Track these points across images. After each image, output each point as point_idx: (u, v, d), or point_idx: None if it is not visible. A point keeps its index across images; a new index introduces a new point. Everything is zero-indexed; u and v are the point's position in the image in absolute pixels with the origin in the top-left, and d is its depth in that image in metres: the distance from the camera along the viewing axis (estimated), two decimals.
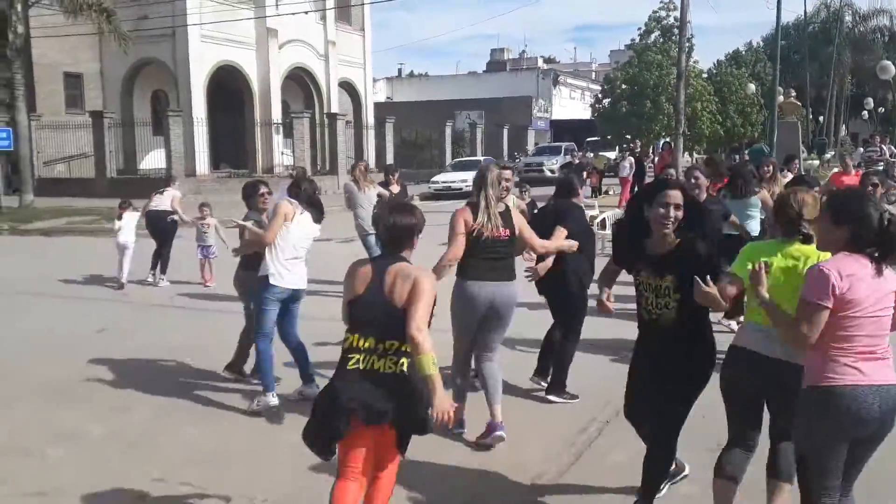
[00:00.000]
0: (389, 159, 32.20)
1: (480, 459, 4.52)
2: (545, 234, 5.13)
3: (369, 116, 35.70)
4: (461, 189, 27.11)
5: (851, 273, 2.85)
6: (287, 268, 5.33)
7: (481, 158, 31.55)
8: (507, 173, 5.38)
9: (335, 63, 33.71)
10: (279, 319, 5.45)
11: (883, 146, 24.38)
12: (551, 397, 5.45)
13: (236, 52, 29.13)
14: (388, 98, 53.25)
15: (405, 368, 3.15)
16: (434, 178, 27.46)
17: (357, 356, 3.16)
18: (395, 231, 3.30)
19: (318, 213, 5.60)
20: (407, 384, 3.15)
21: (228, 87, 29.70)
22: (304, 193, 5.56)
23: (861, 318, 2.87)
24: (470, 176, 33.42)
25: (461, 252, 4.63)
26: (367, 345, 3.16)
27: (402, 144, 36.33)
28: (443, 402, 3.01)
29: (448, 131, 38.22)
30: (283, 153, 29.80)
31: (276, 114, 30.32)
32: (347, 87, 35.46)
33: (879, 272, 2.90)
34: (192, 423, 5.16)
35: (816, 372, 2.96)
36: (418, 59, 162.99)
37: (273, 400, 5.27)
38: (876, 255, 2.91)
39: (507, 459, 4.49)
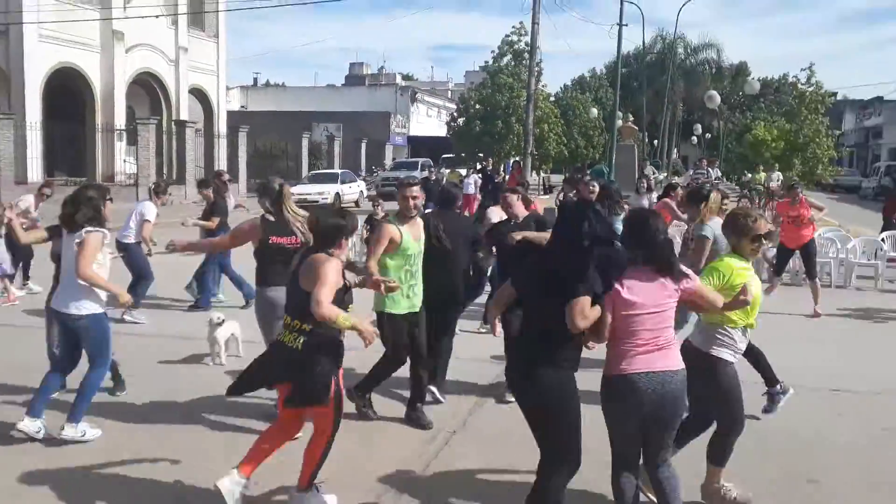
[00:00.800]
0: (242, 169, 31.47)
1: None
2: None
3: (221, 125, 34.71)
4: (317, 201, 26.98)
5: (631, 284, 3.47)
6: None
7: (339, 171, 31.56)
8: (415, 189, 5.28)
9: (186, 69, 32.57)
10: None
11: (709, 169, 26.83)
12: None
13: (78, 53, 27.49)
14: (242, 107, 51.95)
15: (300, 346, 3.78)
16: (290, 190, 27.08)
17: (284, 330, 3.92)
18: (322, 229, 3.92)
19: None
20: (298, 359, 3.77)
21: (69, 90, 27.95)
22: None
23: (643, 316, 3.45)
24: (327, 188, 33.37)
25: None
26: (288, 321, 3.91)
27: (256, 154, 35.57)
28: (366, 330, 3.76)
29: (305, 143, 37.88)
30: (125, 161, 28.40)
31: (120, 120, 28.85)
32: (199, 94, 34.33)
33: (658, 280, 3.50)
34: None
35: (611, 363, 3.53)
36: (275, 69, 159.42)
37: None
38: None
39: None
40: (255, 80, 65.04)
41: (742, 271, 3.91)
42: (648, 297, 3.44)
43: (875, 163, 49.16)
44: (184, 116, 31.74)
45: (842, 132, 48.89)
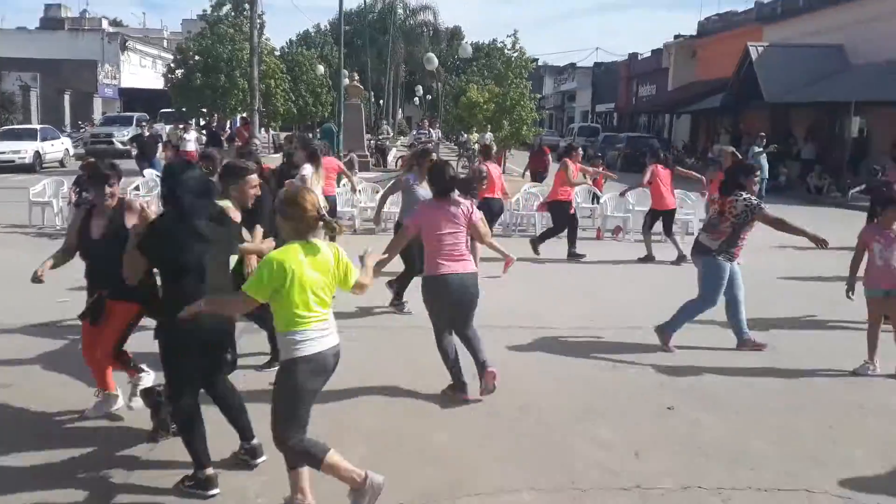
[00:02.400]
0: None
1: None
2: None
3: None
4: (13, 161, 23.89)
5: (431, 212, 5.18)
6: None
7: (38, 127, 28.11)
8: (253, 178, 4.86)
9: None
10: None
11: (431, 129, 28.30)
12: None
13: None
14: None
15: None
16: None
17: None
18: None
19: None
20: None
21: None
22: None
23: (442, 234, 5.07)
24: (25, 146, 29.59)
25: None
26: None
27: None
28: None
29: None
30: None
31: None
32: None
33: (451, 206, 5.15)
34: None
35: (429, 268, 5.14)
36: None
37: None
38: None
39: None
40: None
41: None
42: (446, 222, 5.07)
43: (570, 124, 55.21)
44: None
45: (542, 96, 54.01)
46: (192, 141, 21.68)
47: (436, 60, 31.49)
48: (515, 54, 25.44)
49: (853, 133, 24.10)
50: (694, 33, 41.51)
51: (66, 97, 38.79)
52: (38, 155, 24.55)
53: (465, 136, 29.27)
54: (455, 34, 66.56)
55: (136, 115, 33.20)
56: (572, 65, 66.05)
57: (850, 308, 6.46)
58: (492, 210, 9.95)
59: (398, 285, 7.56)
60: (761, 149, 17.34)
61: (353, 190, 12.67)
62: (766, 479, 4.14)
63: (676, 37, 44.13)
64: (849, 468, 4.29)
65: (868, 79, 22.80)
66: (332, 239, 3.86)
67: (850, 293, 6.17)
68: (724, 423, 4.96)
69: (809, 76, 25.38)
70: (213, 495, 3.83)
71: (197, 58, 29.73)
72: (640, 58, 49.61)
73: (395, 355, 6.19)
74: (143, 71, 50.65)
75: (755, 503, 3.90)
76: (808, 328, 7.45)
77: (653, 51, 47.57)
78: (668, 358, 6.25)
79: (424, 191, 6.93)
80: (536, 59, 28.63)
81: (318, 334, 3.52)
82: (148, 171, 15.55)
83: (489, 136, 24.73)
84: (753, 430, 4.82)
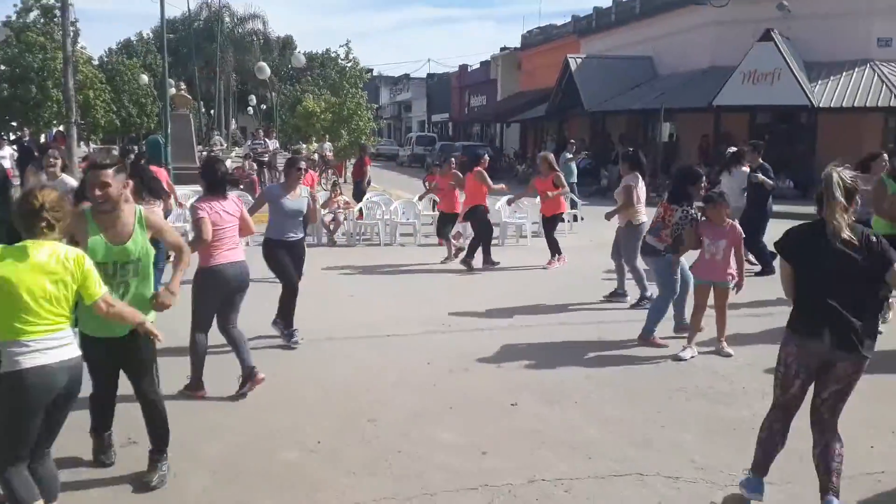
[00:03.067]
0: None
1: None
2: None
3: None
4: None
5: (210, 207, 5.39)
6: None
7: None
8: (109, 174, 3.87)
9: None
10: None
11: (266, 139, 27.38)
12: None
13: None
14: None
15: None
16: None
17: None
18: None
19: None
20: None
21: None
22: None
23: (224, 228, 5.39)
24: None
25: None
26: None
27: None
28: None
29: None
30: None
31: None
32: None
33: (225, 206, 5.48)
34: None
35: (205, 260, 5.37)
36: None
37: None
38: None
39: None
40: None
41: None
42: (226, 217, 5.42)
43: (408, 133, 55.93)
44: None
45: (379, 105, 54.39)
46: (6, 157, 19.88)
47: (268, 70, 30.79)
48: (350, 64, 25.43)
49: (664, 138, 26.20)
50: (518, 46, 43.43)
51: None
52: None
53: (305, 145, 28.87)
54: (287, 43, 65.41)
55: None
56: (406, 76, 67.04)
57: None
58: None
59: None
60: (571, 155, 18.58)
61: (178, 204, 11.79)
62: (602, 466, 4.40)
63: (502, 49, 45.99)
64: (677, 450, 4.65)
65: (675, 88, 24.90)
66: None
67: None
68: (563, 414, 5.22)
69: (623, 86, 27.36)
70: None
71: (2, 67, 27.31)
72: (470, 69, 51.21)
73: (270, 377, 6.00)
74: None
75: (593, 490, 4.14)
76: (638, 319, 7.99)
77: (481, 62, 49.28)
78: (508, 356, 6.49)
79: (291, 202, 6.72)
80: (371, 70, 28.76)
81: (42, 346, 3.23)
82: None
83: (328, 145, 24.53)
84: (590, 420, 5.11)
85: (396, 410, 5.27)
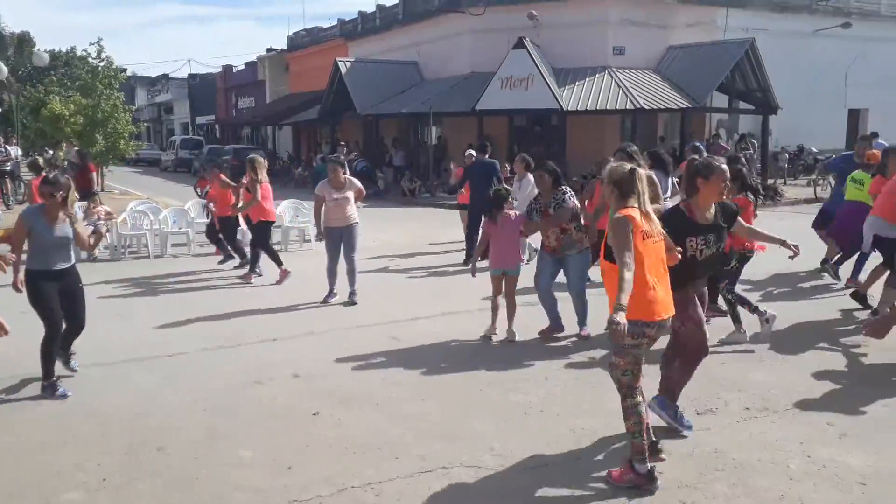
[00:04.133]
0: None
1: None
2: None
3: None
4: None
5: None
6: None
7: None
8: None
9: None
10: None
11: (7, 147, 23.77)
12: None
13: None
14: None
15: None
16: None
17: None
18: None
19: None
20: None
21: None
22: None
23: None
24: None
25: None
26: None
27: None
28: None
29: None
30: None
31: None
32: None
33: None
34: None
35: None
36: None
37: None
38: None
39: None
40: None
41: None
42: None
43: (171, 137, 52.76)
44: None
45: (137, 107, 50.67)
46: None
47: (5, 69, 27.51)
48: (102, 63, 23.52)
49: (433, 140, 27.17)
50: (285, 47, 42.69)
51: None
52: None
53: (52, 152, 26.12)
54: (24, 40, 58.98)
55: None
56: (165, 76, 63.28)
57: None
58: None
59: None
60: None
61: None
62: (409, 464, 4.45)
63: (269, 50, 44.97)
64: (479, 439, 4.82)
65: (440, 92, 25.88)
66: None
67: (473, 274, 7.41)
68: (365, 418, 5.20)
69: (392, 89, 27.95)
70: None
71: None
72: (235, 70, 49.48)
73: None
74: None
75: (403, 490, 4.17)
76: (424, 317, 8.19)
77: (247, 63, 47.82)
78: (302, 364, 6.34)
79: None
80: (126, 69, 26.61)
81: None
82: None
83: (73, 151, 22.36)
84: (392, 421, 5.14)
85: (188, 434, 4.94)
